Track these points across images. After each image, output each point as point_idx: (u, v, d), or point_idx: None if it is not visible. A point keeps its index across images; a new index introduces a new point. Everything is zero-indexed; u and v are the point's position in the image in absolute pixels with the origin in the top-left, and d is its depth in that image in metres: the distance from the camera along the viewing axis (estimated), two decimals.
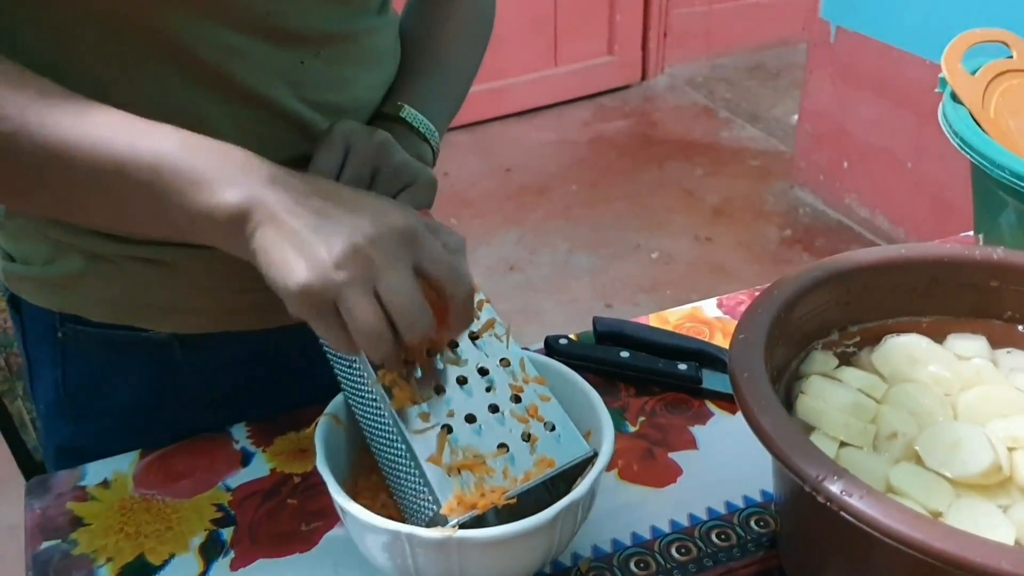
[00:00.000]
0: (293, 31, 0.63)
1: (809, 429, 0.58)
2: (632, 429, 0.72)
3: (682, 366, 0.76)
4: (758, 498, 0.66)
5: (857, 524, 0.45)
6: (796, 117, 3.02)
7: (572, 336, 0.81)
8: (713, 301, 0.89)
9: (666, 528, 0.64)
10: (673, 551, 0.62)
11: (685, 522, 0.64)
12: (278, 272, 0.49)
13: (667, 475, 0.68)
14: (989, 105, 0.84)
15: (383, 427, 0.57)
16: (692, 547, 0.62)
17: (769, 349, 0.57)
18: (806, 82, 2.87)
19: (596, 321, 0.81)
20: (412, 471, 0.55)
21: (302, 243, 0.49)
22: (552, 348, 0.79)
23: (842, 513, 0.46)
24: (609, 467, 0.68)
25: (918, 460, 0.55)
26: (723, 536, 0.63)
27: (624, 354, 0.78)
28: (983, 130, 0.81)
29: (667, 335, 0.80)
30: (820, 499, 0.47)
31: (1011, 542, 0.50)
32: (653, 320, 0.85)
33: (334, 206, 0.50)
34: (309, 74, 0.65)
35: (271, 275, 0.49)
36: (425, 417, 0.56)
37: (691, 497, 0.66)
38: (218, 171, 0.51)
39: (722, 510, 0.65)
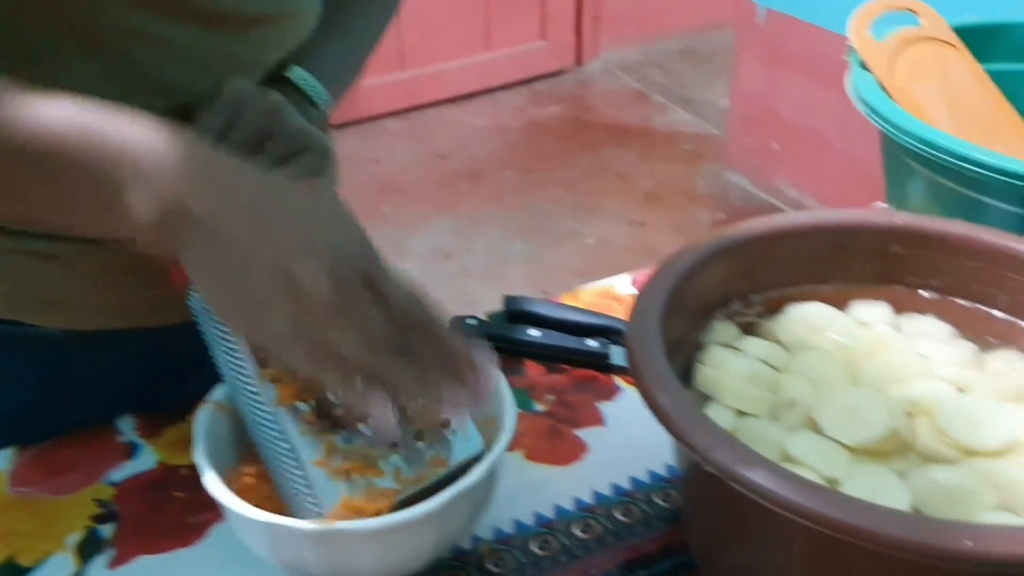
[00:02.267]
0: (224, 13, 0.59)
1: (708, 400, 0.56)
2: (540, 408, 0.70)
3: (591, 342, 0.75)
4: (664, 473, 0.64)
5: (747, 494, 0.44)
6: (727, 100, 3.03)
7: (482, 316, 0.79)
8: (627, 277, 0.87)
9: (570, 506, 0.62)
10: (576, 530, 0.60)
11: (589, 499, 0.62)
12: (245, 314, 0.46)
13: (573, 452, 0.66)
14: (897, 73, 0.84)
15: (267, 424, 0.54)
16: (595, 525, 0.60)
17: (667, 321, 0.56)
18: (735, 64, 2.88)
19: (506, 300, 0.79)
20: (297, 472, 0.52)
21: (268, 281, 0.45)
22: (461, 329, 0.76)
23: (731, 483, 0.44)
24: (514, 447, 0.67)
25: (816, 428, 0.54)
26: (627, 512, 0.61)
27: (533, 332, 0.76)
28: (891, 98, 0.80)
29: (578, 312, 0.78)
30: (708, 469, 0.45)
31: (906, 507, 0.49)
32: (566, 298, 0.83)
33: (283, 216, 0.47)
34: (237, 58, 0.62)
35: (228, 311, 0.47)
36: (311, 415, 0.53)
37: (596, 474, 0.64)
38: (140, 161, 0.44)
39: (627, 486, 0.63)
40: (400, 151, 3.16)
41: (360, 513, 0.50)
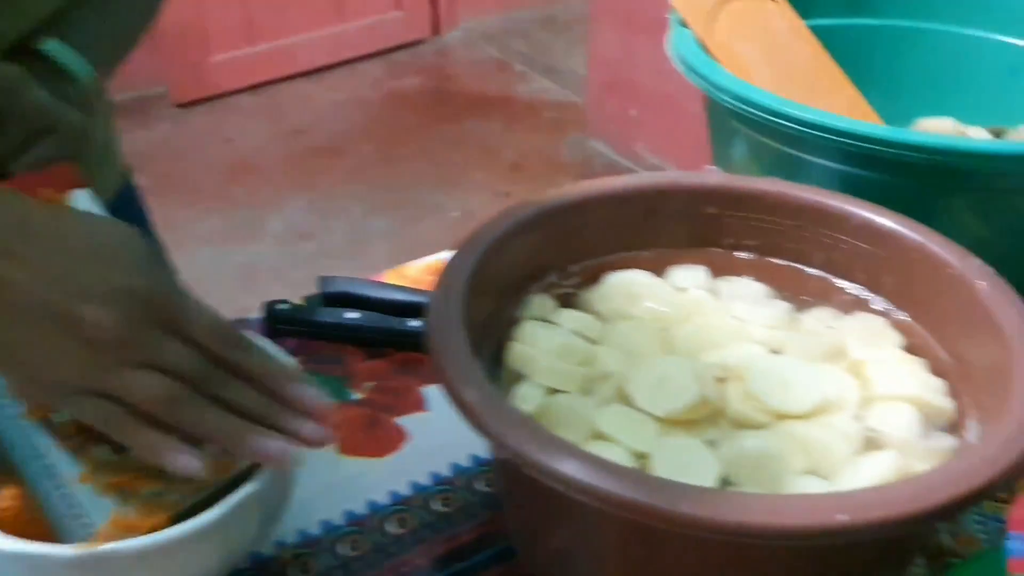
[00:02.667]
0: None
1: (519, 378, 0.53)
2: (357, 396, 0.66)
3: (413, 323, 0.71)
4: (487, 456, 0.61)
5: (543, 480, 0.41)
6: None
7: (298, 300, 0.74)
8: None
9: (385, 500, 0.58)
10: (389, 525, 0.56)
11: (406, 491, 0.59)
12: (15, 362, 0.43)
13: (391, 442, 0.62)
14: (718, 30, 0.82)
15: (21, 437, 0.48)
16: (410, 518, 0.57)
17: (474, 298, 0.52)
18: (590, 31, 2.87)
19: (321, 282, 0.74)
20: (60, 491, 0.47)
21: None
22: (272, 315, 0.72)
23: (524, 469, 0.41)
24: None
25: (628, 401, 0.51)
26: (447, 501, 0.58)
27: (351, 315, 0.71)
28: (711, 56, 0.79)
29: (400, 291, 0.74)
30: (503, 455, 0.42)
31: (714, 478, 0.47)
32: (390, 276, 0.79)
33: (60, 253, 0.43)
34: None
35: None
36: (71, 427, 0.47)
37: (414, 463, 0.61)
38: None
39: (448, 473, 0.60)
40: (253, 129, 3.04)
41: (133, 530, 0.45)
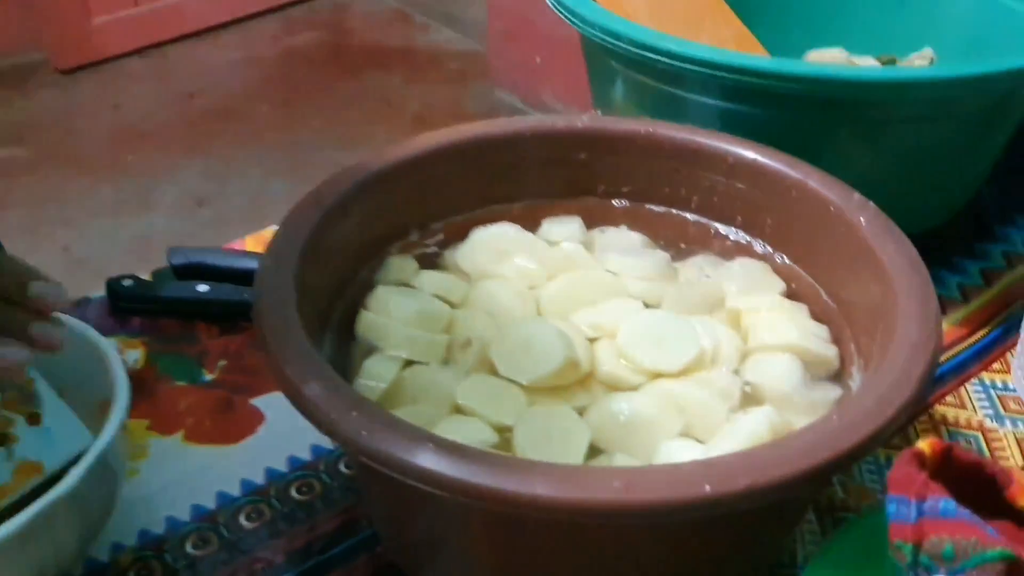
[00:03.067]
0: None
1: (372, 350, 0.48)
2: (209, 378, 0.61)
3: None
4: None
5: (379, 468, 0.36)
6: None
7: (145, 276, 0.68)
8: None
9: (236, 491, 0.53)
10: (242, 518, 0.51)
11: (261, 479, 0.54)
12: None
13: (245, 426, 0.57)
14: None
15: None
16: (266, 509, 0.52)
17: (314, 266, 0.47)
18: None
19: (170, 252, 0.68)
20: None
21: None
22: (115, 293, 0.65)
23: (361, 457, 0.37)
24: (172, 430, 0.57)
25: (493, 369, 0.47)
26: (305, 488, 0.53)
27: (202, 288, 0.65)
28: None
29: (257, 258, 0.68)
30: (336, 442, 0.37)
31: (583, 447, 0.43)
32: (250, 242, 0.73)
33: None
34: None
35: None
36: None
37: (271, 448, 0.55)
38: None
39: (307, 456, 0.55)
40: (142, 93, 2.90)
41: None
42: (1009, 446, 0.55)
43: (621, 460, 0.42)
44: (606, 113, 0.75)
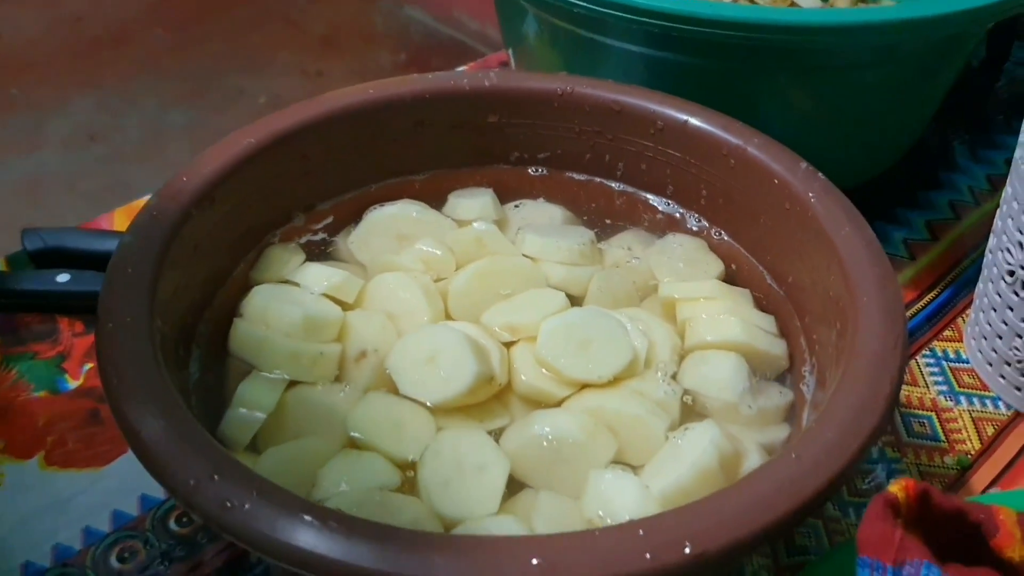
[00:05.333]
0: None
1: (248, 370, 0.41)
2: (73, 385, 0.53)
3: None
4: None
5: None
6: None
7: None
8: None
9: (105, 526, 0.46)
10: (112, 559, 0.44)
11: (134, 510, 0.46)
12: None
13: (116, 444, 0.49)
14: None
15: None
16: (140, 547, 0.45)
17: (174, 267, 0.39)
18: None
19: (24, 236, 0.59)
20: None
21: None
22: None
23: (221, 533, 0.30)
24: (30, 453, 0.49)
25: (394, 386, 0.40)
26: (185, 519, 0.46)
27: (63, 278, 0.57)
28: None
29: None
30: (196, 517, 0.30)
31: (501, 485, 0.37)
32: (119, 217, 0.64)
33: None
34: None
35: None
36: None
37: (145, 471, 0.48)
38: None
39: None
40: (24, 19, 2.68)
41: None
42: (965, 426, 0.51)
43: (546, 499, 0.36)
44: (518, 53, 0.67)
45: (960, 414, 0.52)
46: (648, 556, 0.28)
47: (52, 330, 0.56)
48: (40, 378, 0.53)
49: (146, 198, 0.64)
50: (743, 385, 0.40)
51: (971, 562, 0.29)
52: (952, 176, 0.69)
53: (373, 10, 2.84)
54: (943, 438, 0.50)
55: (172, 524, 0.46)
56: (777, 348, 0.42)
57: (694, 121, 0.47)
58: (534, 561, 0.28)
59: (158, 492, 0.47)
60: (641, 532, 0.29)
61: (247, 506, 0.29)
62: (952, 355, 0.55)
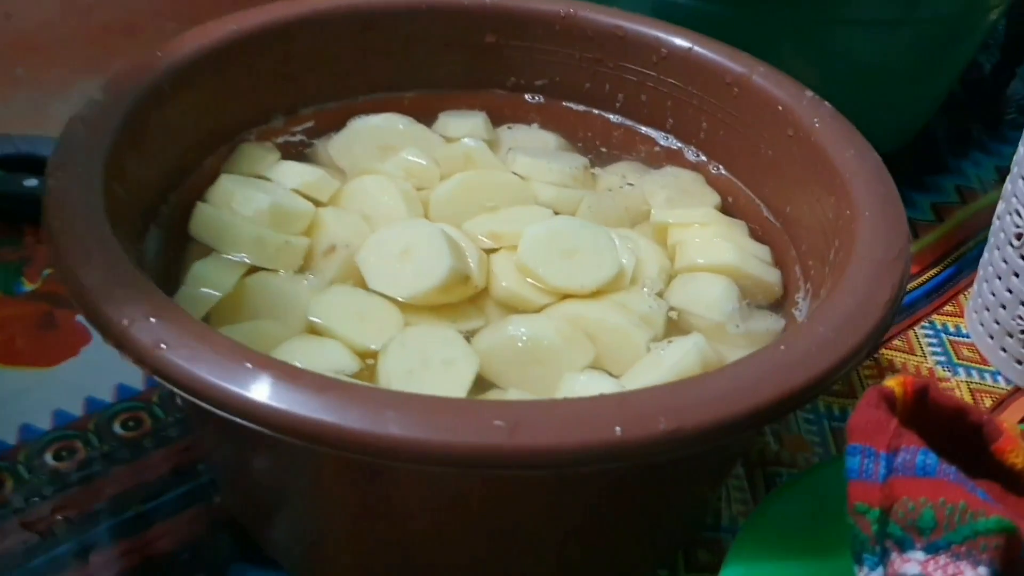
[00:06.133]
0: None
1: (208, 253, 0.38)
2: (29, 287, 0.50)
3: None
4: None
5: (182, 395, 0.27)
6: None
7: None
8: None
9: (46, 424, 0.43)
10: (48, 457, 0.41)
11: (78, 411, 0.44)
12: None
13: (66, 347, 0.47)
14: None
15: None
16: (80, 446, 0.42)
17: (138, 146, 0.37)
18: None
19: None
20: None
21: None
22: None
23: (150, 373, 0.27)
24: None
25: (362, 282, 0.38)
26: (132, 423, 0.43)
27: (31, 183, 0.54)
28: None
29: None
30: (126, 358, 0.28)
31: (469, 380, 0.34)
32: None
33: None
34: None
35: None
36: None
37: (95, 374, 0.45)
38: None
39: (138, 385, 0.45)
40: (36, 2, 2.68)
41: None
42: (963, 396, 0.48)
43: (514, 396, 0.34)
44: None
45: (957, 384, 0.49)
46: (618, 430, 0.26)
47: (15, 236, 0.53)
48: (1, 281, 0.50)
49: None
50: (732, 306, 0.38)
51: (967, 469, 0.27)
52: (961, 163, 0.67)
53: None
54: None
55: (117, 427, 0.43)
56: (770, 276, 0.40)
57: (698, 49, 0.45)
58: (497, 423, 0.25)
59: (105, 394, 0.45)
60: (613, 404, 0.26)
61: (184, 349, 0.27)
62: (952, 329, 0.53)
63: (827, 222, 0.38)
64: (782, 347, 0.29)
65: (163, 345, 0.27)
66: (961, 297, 0.55)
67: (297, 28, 0.44)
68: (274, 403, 0.26)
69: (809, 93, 0.42)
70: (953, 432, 0.28)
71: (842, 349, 0.29)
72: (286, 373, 0.26)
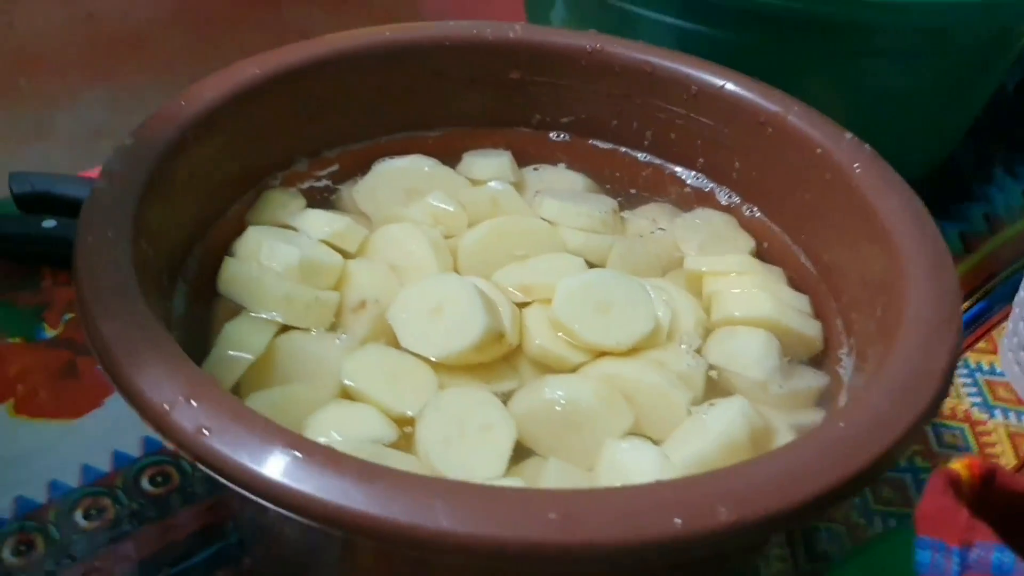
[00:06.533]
0: None
1: (238, 310, 0.37)
2: (50, 334, 0.49)
3: None
4: None
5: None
6: None
7: None
8: None
9: (74, 480, 0.42)
10: (78, 516, 0.41)
11: (105, 466, 0.43)
12: None
13: (91, 397, 0.46)
14: None
15: None
16: (109, 504, 0.41)
17: (164, 197, 0.36)
18: None
19: (12, 179, 0.56)
20: None
21: None
22: None
23: (186, 456, 0.26)
24: (1, 399, 0.45)
25: (394, 339, 0.37)
26: (160, 478, 0.42)
27: (49, 224, 0.53)
28: None
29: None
30: (166, 442, 0.27)
31: (508, 449, 0.33)
32: None
33: None
34: None
35: None
36: None
37: (121, 426, 0.44)
38: None
39: None
40: (40, 12, 2.66)
41: None
42: (1001, 440, 0.47)
43: (555, 467, 0.33)
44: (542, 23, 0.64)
45: (996, 427, 0.48)
46: (678, 521, 0.25)
47: (33, 279, 0.52)
48: (16, 325, 0.50)
49: None
50: (773, 363, 0.37)
51: None
52: (987, 189, 0.66)
53: (389, 21, 2.84)
54: (976, 450, 0.47)
55: (145, 483, 0.42)
56: (811, 329, 0.39)
57: (731, 86, 0.44)
58: (551, 515, 0.24)
59: (132, 448, 0.44)
60: (670, 494, 0.26)
61: (227, 435, 0.26)
62: (987, 367, 0.52)
63: (870, 275, 0.37)
64: (841, 424, 0.28)
65: (205, 431, 0.26)
66: (994, 333, 0.54)
67: (319, 69, 0.43)
68: (321, 495, 0.25)
69: (848, 135, 0.41)
70: (1021, 514, 0.27)
71: (902, 424, 0.28)
72: (332, 461, 0.26)
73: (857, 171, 0.39)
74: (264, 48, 0.45)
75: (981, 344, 0.53)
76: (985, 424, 0.48)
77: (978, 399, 0.50)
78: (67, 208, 0.55)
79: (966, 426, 0.48)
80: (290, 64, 0.42)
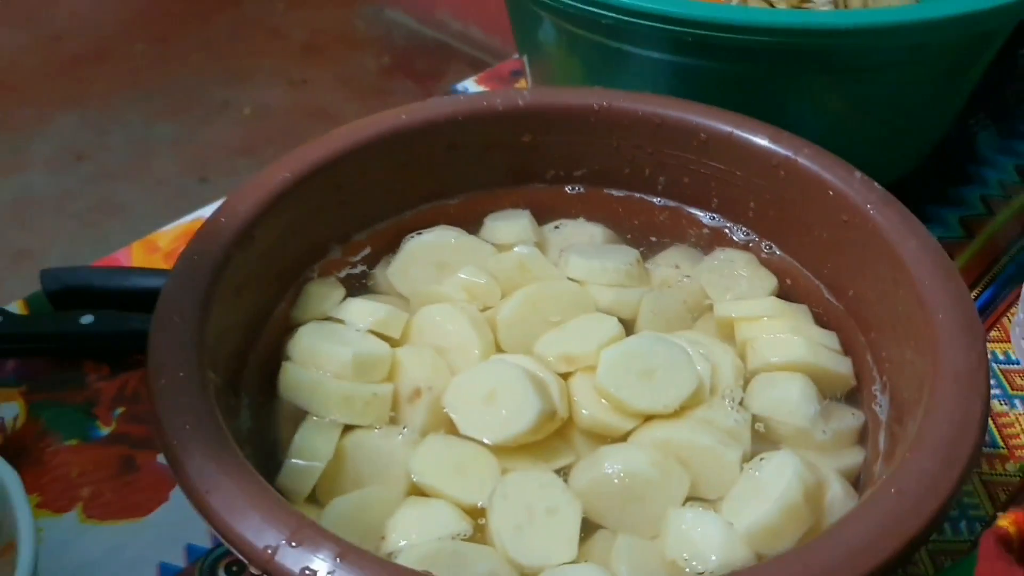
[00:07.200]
0: None
1: (300, 414, 0.39)
2: (104, 431, 0.51)
3: None
4: None
5: None
6: None
7: (17, 305, 0.57)
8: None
9: None
10: None
11: (181, 561, 0.45)
12: None
13: (155, 492, 0.48)
14: None
15: None
16: None
17: (219, 313, 0.38)
18: None
19: (43, 277, 0.57)
20: None
21: None
22: None
23: None
24: (67, 507, 0.47)
25: (450, 425, 0.39)
26: (235, 568, 0.44)
27: (87, 319, 0.55)
28: None
29: (148, 274, 0.58)
30: None
31: (576, 529, 0.35)
32: (137, 251, 0.62)
33: None
34: None
35: None
36: None
37: (191, 516, 0.46)
38: None
39: None
40: (2, 39, 2.64)
41: None
42: None
43: (625, 543, 0.35)
44: (533, 61, 0.66)
45: (1016, 418, 0.50)
46: None
47: (76, 375, 0.54)
48: (69, 426, 0.51)
49: (156, 227, 0.63)
50: (814, 408, 0.39)
51: None
52: (980, 169, 0.68)
53: (353, 14, 2.81)
54: (1001, 444, 0.49)
55: (222, 574, 0.44)
56: (843, 367, 0.41)
57: (739, 133, 0.45)
58: None
59: (204, 540, 0.45)
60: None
61: (330, 574, 0.28)
62: (1001, 356, 0.54)
63: (897, 316, 0.39)
64: (893, 490, 0.30)
65: (309, 571, 0.28)
66: (1005, 320, 0.56)
67: (343, 161, 0.45)
68: None
69: (858, 174, 0.43)
70: None
71: (949, 484, 0.30)
72: None
73: (872, 212, 0.41)
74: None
75: (993, 333, 0.55)
76: (1007, 415, 0.51)
77: (997, 390, 0.52)
78: (98, 299, 0.56)
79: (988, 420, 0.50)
80: (314, 162, 0.43)
